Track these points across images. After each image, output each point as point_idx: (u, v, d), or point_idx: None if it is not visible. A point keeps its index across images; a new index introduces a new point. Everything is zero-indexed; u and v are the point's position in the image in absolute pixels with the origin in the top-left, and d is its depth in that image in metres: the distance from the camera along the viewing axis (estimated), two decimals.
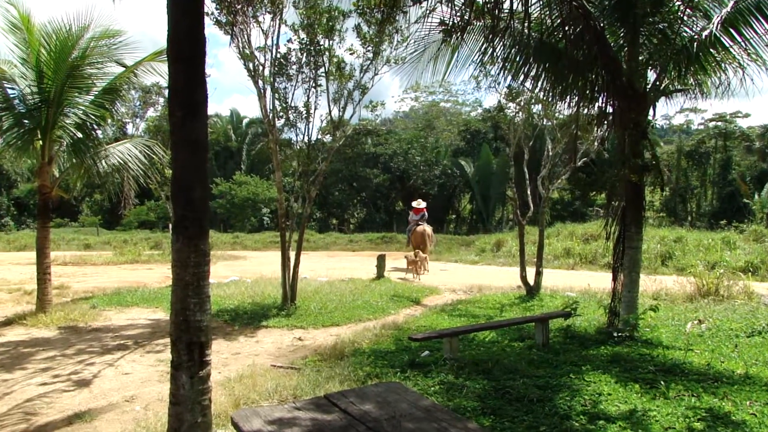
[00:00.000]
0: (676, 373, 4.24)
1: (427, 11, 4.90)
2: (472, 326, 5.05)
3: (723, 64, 5.38)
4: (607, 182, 6.93)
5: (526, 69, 5.50)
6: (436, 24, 5.31)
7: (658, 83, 5.47)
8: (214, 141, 30.22)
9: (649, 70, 5.54)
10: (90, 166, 6.97)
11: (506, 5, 4.71)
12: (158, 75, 7.09)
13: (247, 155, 34.77)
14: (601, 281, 10.19)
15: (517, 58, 5.50)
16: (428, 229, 15.58)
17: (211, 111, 40.28)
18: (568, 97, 5.46)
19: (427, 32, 5.73)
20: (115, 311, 7.57)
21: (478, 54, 5.56)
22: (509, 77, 5.59)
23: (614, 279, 5.63)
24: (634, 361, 4.58)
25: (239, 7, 6.66)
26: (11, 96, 6.77)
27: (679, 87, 5.71)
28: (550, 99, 5.96)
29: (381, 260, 11.44)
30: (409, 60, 6.22)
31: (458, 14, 4.83)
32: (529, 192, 9.20)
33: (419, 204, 16.35)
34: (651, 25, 5.44)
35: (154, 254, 16.81)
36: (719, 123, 31.42)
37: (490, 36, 5.19)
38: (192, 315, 2.85)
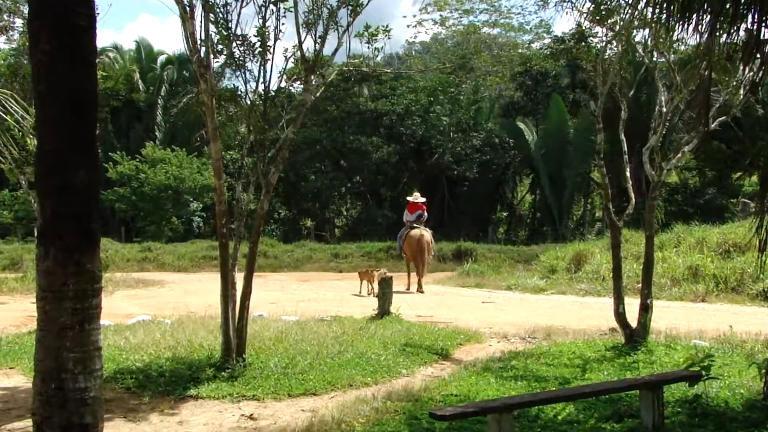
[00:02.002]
0: None
1: None
2: (535, 395, 5.04)
3: None
4: (762, 156, 6.90)
5: None
6: None
7: None
8: (108, 92, 30.12)
9: None
10: None
11: None
12: None
13: (164, 116, 34.96)
14: (751, 321, 10.16)
15: None
16: (427, 234, 17.09)
17: (103, 42, 40.15)
18: (694, 15, 5.39)
19: None
20: None
21: None
22: None
23: None
24: None
25: None
26: None
27: None
28: (664, 19, 5.87)
29: (386, 286, 11.51)
30: None
31: None
32: (628, 174, 9.15)
33: (417, 198, 17.77)
34: None
35: (9, 278, 16.90)
36: None
37: None
38: (70, 380, 2.84)
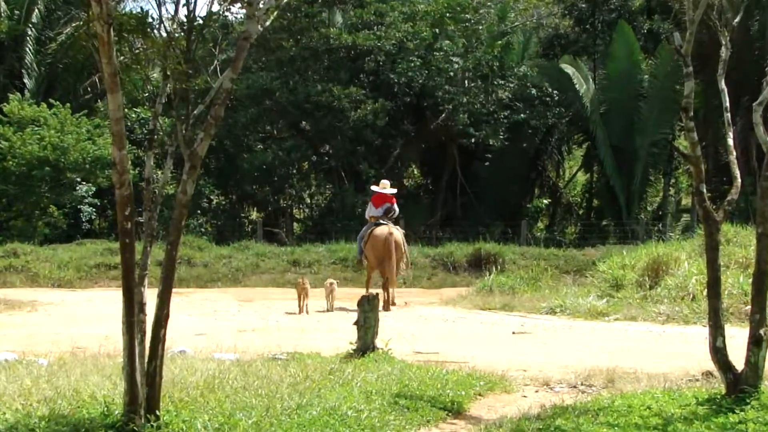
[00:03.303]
0: None
1: None
2: None
3: None
4: None
5: None
6: None
7: None
8: None
9: None
10: None
11: None
12: None
13: (36, 55, 34.68)
14: None
15: None
16: (397, 233, 18.42)
17: None
18: None
19: None
20: None
21: None
22: None
23: None
24: None
25: None
26: None
27: None
28: None
29: (369, 309, 11.48)
30: None
31: None
32: (731, 141, 9.13)
33: (385, 188, 19.22)
34: None
35: None
36: None
37: None
38: None
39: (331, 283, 17.93)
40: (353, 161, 32.34)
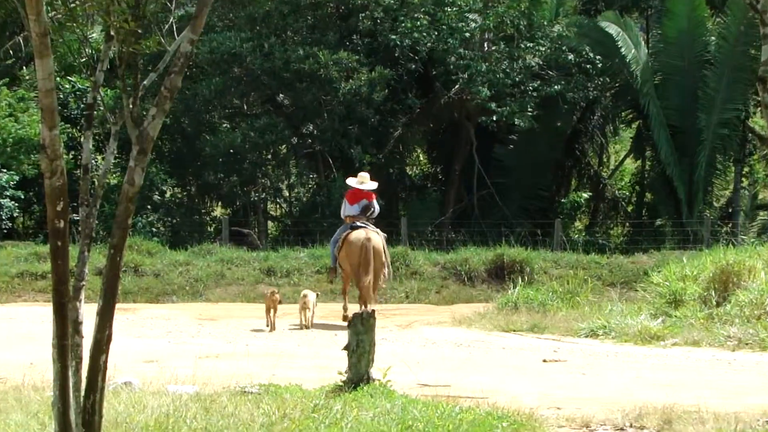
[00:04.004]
0: None
1: None
2: None
3: None
4: None
5: None
6: None
7: None
8: None
9: None
10: None
11: None
12: None
13: None
14: None
15: None
16: (376, 237, 18.76)
17: None
18: None
19: None
20: None
21: None
22: None
23: None
24: None
25: None
26: None
27: None
28: None
29: (362, 330, 11.49)
30: None
31: None
32: None
33: (363, 182, 19.66)
34: None
35: None
36: None
37: None
38: None
39: (305, 296, 18.28)
40: (343, 144, 32.17)
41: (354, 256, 18.09)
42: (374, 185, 19.80)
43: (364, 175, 19.83)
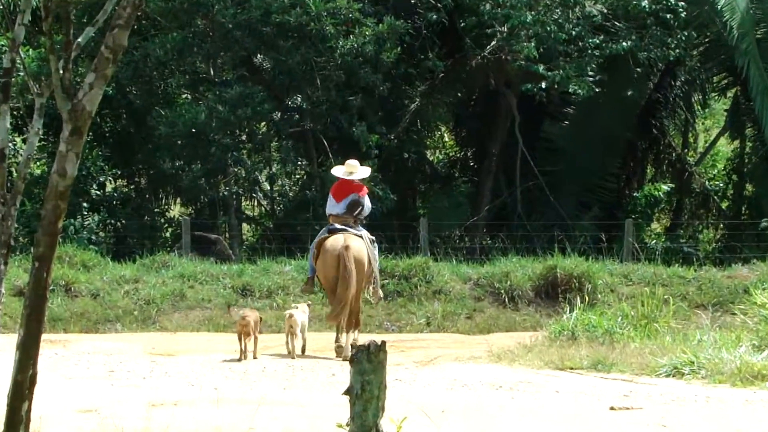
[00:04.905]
0: None
1: None
2: None
3: None
4: None
5: None
6: None
7: None
8: None
9: None
10: None
11: None
12: None
13: None
14: None
15: None
16: (357, 244, 18.94)
17: None
18: None
19: None
20: None
21: None
22: None
23: None
24: None
25: None
26: None
27: None
28: None
29: (370, 367, 11.54)
30: None
31: None
32: None
33: (352, 171, 19.99)
34: None
35: None
36: None
37: None
38: None
39: (291, 316, 18.49)
40: (342, 121, 32.33)
41: (330, 268, 18.34)
42: (366, 172, 20.21)
43: (352, 163, 20.02)
